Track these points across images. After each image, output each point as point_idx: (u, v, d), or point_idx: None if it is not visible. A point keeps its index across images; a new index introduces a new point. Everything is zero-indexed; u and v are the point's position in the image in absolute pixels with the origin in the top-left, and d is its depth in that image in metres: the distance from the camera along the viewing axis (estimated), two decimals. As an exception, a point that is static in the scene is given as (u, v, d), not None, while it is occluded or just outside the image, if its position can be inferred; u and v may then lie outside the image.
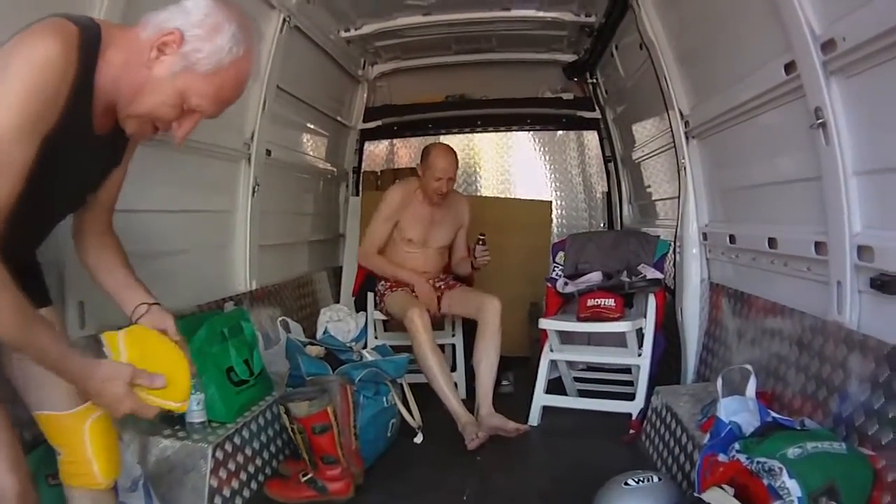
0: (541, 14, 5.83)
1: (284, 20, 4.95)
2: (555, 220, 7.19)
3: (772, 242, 3.61)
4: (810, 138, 3.01)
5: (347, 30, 6.13)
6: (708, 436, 2.94)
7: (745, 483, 2.48)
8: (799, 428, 2.75)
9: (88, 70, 1.94)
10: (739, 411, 2.92)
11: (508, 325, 4.95)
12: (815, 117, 2.92)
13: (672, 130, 4.70)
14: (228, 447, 3.64)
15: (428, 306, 4.94)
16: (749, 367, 3.27)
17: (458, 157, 5.22)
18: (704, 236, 4.56)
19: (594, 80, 6.88)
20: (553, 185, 7.49)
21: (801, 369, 3.21)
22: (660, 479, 3.10)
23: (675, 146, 4.72)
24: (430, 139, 7.30)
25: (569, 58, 6.82)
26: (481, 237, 5.08)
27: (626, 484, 3.06)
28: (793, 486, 2.32)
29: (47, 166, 1.91)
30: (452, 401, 4.57)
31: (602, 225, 7.26)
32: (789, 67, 3.09)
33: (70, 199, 2.29)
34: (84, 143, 2.06)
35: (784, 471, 2.37)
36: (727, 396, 3.09)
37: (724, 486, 2.52)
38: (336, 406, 3.87)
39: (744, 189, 4.14)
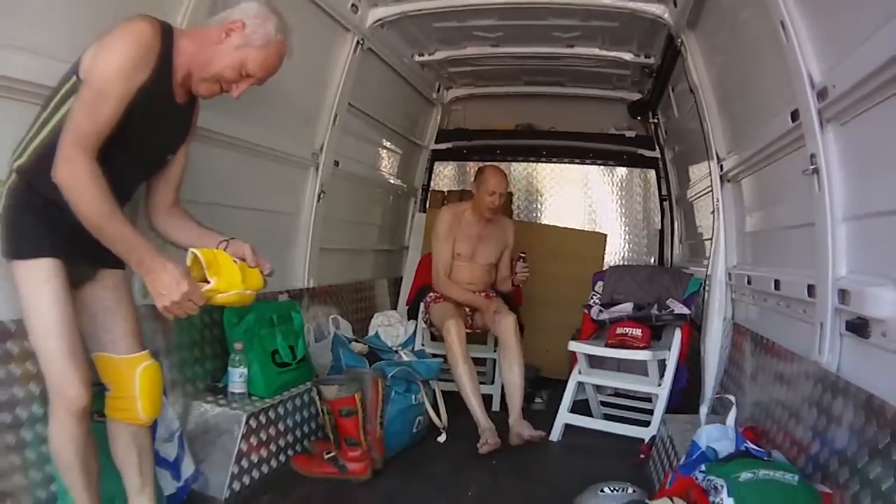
0: (602, 53, 6.03)
1: (358, 42, 5.36)
2: (608, 253, 7.35)
3: (776, 284, 3.78)
4: (808, 184, 3.18)
5: (422, 54, 6.41)
6: (684, 457, 3.21)
7: (696, 499, 2.79)
8: (765, 458, 2.96)
9: (167, 50, 2.69)
10: (720, 438, 3.13)
11: (555, 348, 5.34)
12: (809, 163, 3.11)
13: (710, 173, 4.92)
14: (262, 418, 4.10)
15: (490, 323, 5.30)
16: (732, 398, 3.53)
17: (523, 185, 5.49)
18: (730, 276, 4.74)
19: (655, 120, 7.02)
20: (609, 218, 7.65)
21: (787, 408, 3.37)
22: (634, 491, 3.35)
23: (711, 188, 4.93)
24: (497, 165, 7.59)
25: (633, 96, 7.01)
26: (522, 255, 5.45)
27: (602, 491, 3.35)
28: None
29: (140, 116, 2.64)
30: (476, 407, 4.93)
31: (653, 260, 7.43)
32: (794, 115, 3.27)
33: (155, 152, 2.95)
34: (165, 106, 2.81)
35: (725, 488, 2.65)
36: (711, 424, 3.32)
37: (674, 499, 2.85)
38: (365, 395, 4.31)
39: (760, 233, 4.36)
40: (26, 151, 2.65)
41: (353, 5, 5.08)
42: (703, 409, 3.83)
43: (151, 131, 2.76)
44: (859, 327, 2.77)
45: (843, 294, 2.90)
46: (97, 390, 2.88)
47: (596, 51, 6.02)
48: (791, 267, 3.69)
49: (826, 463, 2.78)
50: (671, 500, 2.85)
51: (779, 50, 3.24)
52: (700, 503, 2.74)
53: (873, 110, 2.64)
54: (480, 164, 7.25)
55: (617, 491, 3.34)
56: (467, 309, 5.56)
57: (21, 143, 2.68)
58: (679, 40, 4.87)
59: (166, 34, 2.69)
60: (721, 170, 4.78)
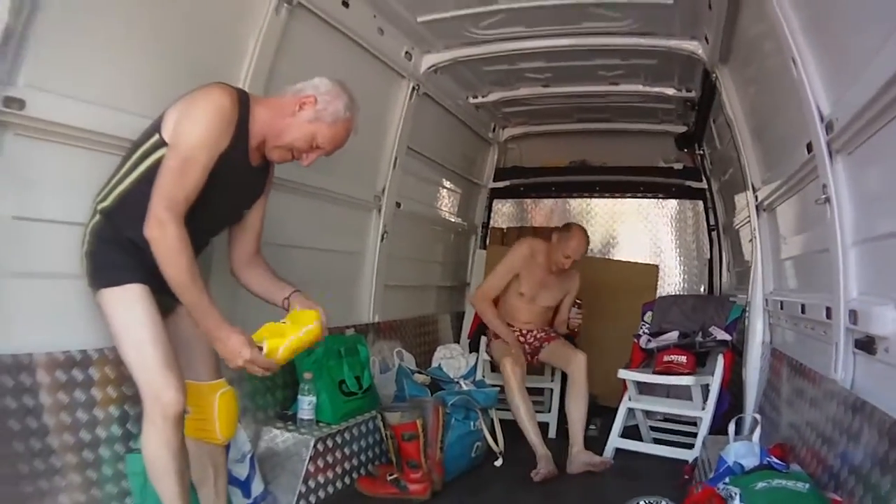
0: (646, 89, 6.13)
1: (413, 88, 5.57)
2: (662, 283, 7.42)
3: (803, 308, 3.85)
4: (823, 212, 3.26)
5: (476, 96, 6.58)
6: (713, 471, 3.35)
7: None
8: (783, 470, 3.05)
9: (244, 118, 2.90)
10: (746, 455, 3.25)
11: (609, 377, 5.35)
12: (822, 193, 3.20)
13: (748, 203, 5.00)
14: (329, 443, 4.27)
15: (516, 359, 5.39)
16: (758, 416, 3.70)
17: (579, 220, 5.92)
18: (767, 302, 4.79)
19: (701, 152, 7.07)
20: (663, 250, 7.69)
21: (811, 426, 3.41)
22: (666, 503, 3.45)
23: (749, 217, 5.01)
24: (554, 202, 7.83)
25: (679, 129, 7.08)
26: (578, 302, 5.59)
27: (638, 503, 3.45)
28: (740, 510, 2.79)
29: (219, 178, 2.82)
30: (532, 436, 5.03)
31: (702, 289, 7.44)
32: (808, 147, 3.34)
33: (231, 209, 3.16)
34: (242, 169, 3.01)
35: (738, 496, 2.82)
36: (738, 441, 3.46)
37: None
38: (427, 421, 4.46)
39: (790, 260, 4.41)
40: (110, 196, 2.87)
41: (406, 53, 5.28)
42: (731, 428, 3.96)
43: (227, 191, 2.94)
44: (866, 345, 2.86)
45: (853, 314, 2.98)
46: None
47: (640, 87, 6.12)
48: (814, 291, 3.76)
49: (838, 473, 2.87)
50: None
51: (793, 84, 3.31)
52: (719, 510, 2.89)
53: (874, 137, 2.71)
54: (538, 201, 7.51)
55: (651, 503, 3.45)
56: (527, 346, 5.65)
57: (105, 187, 2.90)
58: (714, 75, 4.95)
59: (244, 103, 2.90)
60: (756, 199, 4.85)
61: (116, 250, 2.84)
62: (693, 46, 5.00)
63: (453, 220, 7.41)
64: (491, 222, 8.10)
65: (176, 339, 2.99)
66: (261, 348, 2.82)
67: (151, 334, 2.77)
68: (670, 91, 6.10)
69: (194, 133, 2.73)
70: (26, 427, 2.85)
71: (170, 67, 3.40)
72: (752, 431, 3.61)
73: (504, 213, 8.19)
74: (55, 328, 3.04)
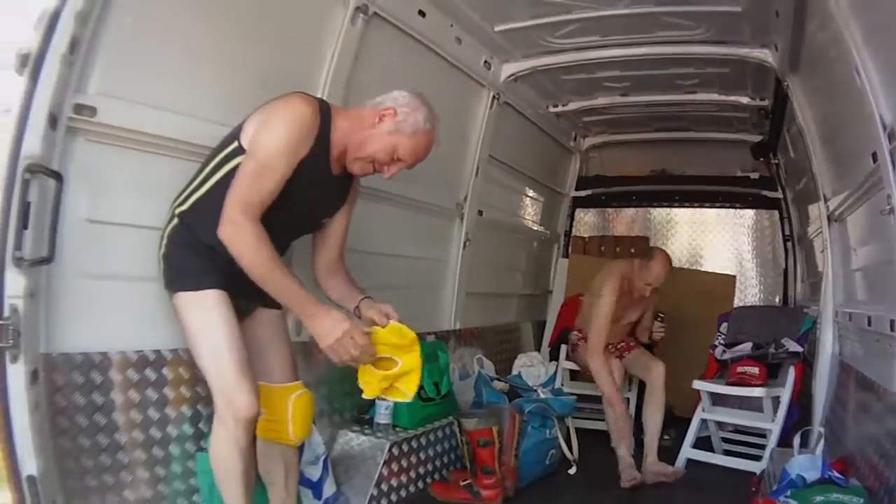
0: (721, 97, 5.99)
1: (494, 97, 5.51)
2: (739, 294, 7.21)
3: (869, 321, 3.70)
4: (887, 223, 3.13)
5: (556, 105, 6.50)
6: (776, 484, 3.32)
7: None
8: (842, 485, 3.02)
9: (325, 128, 2.86)
10: (809, 468, 3.24)
11: (686, 388, 5.24)
12: (885, 203, 3.07)
13: (820, 213, 4.84)
14: (405, 447, 4.23)
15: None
16: (822, 429, 3.67)
17: (660, 230, 5.86)
18: (836, 314, 4.62)
19: (776, 161, 6.85)
20: (741, 260, 7.51)
21: (872, 439, 3.30)
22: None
23: (821, 228, 4.85)
24: (635, 211, 7.69)
25: (755, 138, 6.84)
26: (661, 315, 5.41)
27: None
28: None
29: (300, 185, 2.81)
30: (622, 449, 4.92)
31: (777, 300, 7.23)
32: (874, 157, 3.22)
33: (311, 216, 3.11)
34: (324, 177, 2.97)
35: None
36: (802, 454, 3.46)
37: None
38: (503, 428, 4.41)
39: (859, 271, 4.24)
40: (188, 200, 2.88)
41: (485, 62, 5.24)
42: (796, 441, 3.94)
43: (307, 198, 2.91)
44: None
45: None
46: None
47: (715, 96, 6.00)
48: (879, 303, 3.62)
49: (893, 488, 2.79)
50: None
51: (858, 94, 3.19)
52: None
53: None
54: (619, 210, 7.34)
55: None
56: (614, 356, 5.47)
57: (183, 192, 2.91)
58: (785, 83, 4.79)
59: (324, 113, 2.87)
60: (828, 209, 4.69)
61: (193, 254, 2.85)
62: (763, 54, 4.85)
63: (535, 228, 7.32)
64: (573, 231, 7.98)
65: (252, 342, 3.01)
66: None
67: (227, 340, 2.77)
68: (744, 100, 5.95)
69: (273, 141, 2.70)
70: (94, 423, 2.87)
71: (247, 76, 3.42)
72: (817, 444, 3.59)
73: (586, 222, 8.08)
74: (129, 328, 3.07)
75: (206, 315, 2.79)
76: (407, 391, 2.97)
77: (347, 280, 3.21)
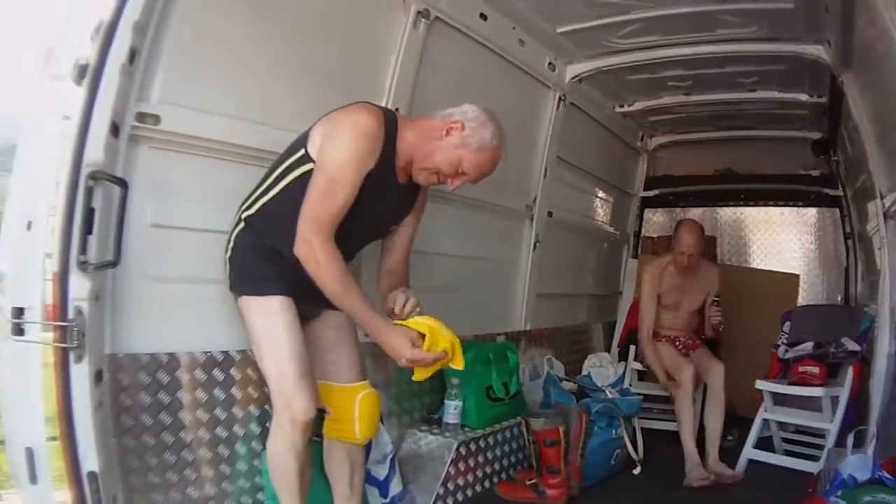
0: (780, 95, 5.84)
1: (560, 98, 5.44)
2: (803, 292, 7.06)
3: None
4: None
5: (622, 105, 6.41)
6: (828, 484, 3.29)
7: None
8: (891, 485, 2.99)
9: (390, 138, 2.85)
10: (861, 468, 3.21)
11: (750, 388, 5.11)
12: None
13: (877, 210, 4.68)
14: (472, 447, 4.19)
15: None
16: (874, 429, 3.60)
17: (727, 230, 5.75)
18: (892, 312, 4.44)
19: (836, 158, 6.63)
20: (805, 258, 7.32)
21: None
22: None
23: (878, 226, 4.70)
24: (702, 211, 7.49)
25: (815, 135, 6.61)
26: (716, 299, 5.32)
27: None
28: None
29: (367, 195, 2.79)
30: (690, 445, 4.87)
31: (839, 298, 6.98)
32: None
33: (378, 225, 3.11)
34: (390, 186, 2.94)
35: None
36: (854, 454, 3.42)
37: None
38: (569, 428, 4.35)
39: None
40: (255, 205, 2.90)
41: (549, 63, 5.18)
42: (849, 440, 3.86)
43: (374, 208, 2.89)
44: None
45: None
46: (316, 414, 3.02)
47: (774, 93, 5.85)
48: None
49: None
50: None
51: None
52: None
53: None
54: (687, 210, 7.17)
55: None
56: (681, 350, 5.44)
57: (250, 197, 2.93)
58: (840, 79, 4.64)
59: (390, 124, 2.86)
60: (884, 206, 4.52)
61: (259, 259, 2.87)
62: (818, 51, 4.70)
63: (605, 228, 7.21)
64: (643, 231, 7.84)
65: (321, 343, 3.05)
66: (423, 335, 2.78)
67: (290, 347, 2.81)
68: (803, 97, 5.78)
69: (340, 155, 2.71)
70: (159, 422, 2.90)
71: (309, 82, 3.43)
72: (870, 444, 3.53)
73: (655, 221, 7.93)
74: (197, 330, 3.11)
75: (270, 321, 2.83)
76: (457, 366, 2.95)
77: (404, 281, 3.17)
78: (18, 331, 2.33)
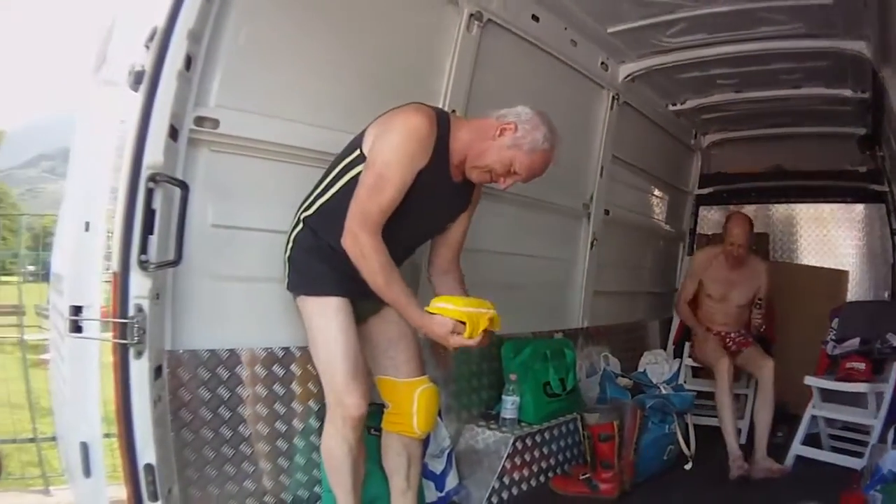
0: (825, 91, 5.71)
1: (613, 98, 5.37)
2: (852, 289, 6.91)
3: None
4: None
5: (674, 104, 6.32)
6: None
7: None
8: None
9: (443, 138, 2.85)
10: None
11: (800, 385, 5.02)
12: None
13: None
14: (528, 441, 4.16)
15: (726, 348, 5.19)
16: None
17: (779, 226, 6.02)
18: None
19: (882, 154, 6.41)
20: (853, 255, 7.14)
21: None
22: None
23: None
24: (755, 208, 7.26)
25: (860, 131, 6.46)
26: (759, 301, 5.26)
27: None
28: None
29: (421, 194, 2.81)
30: (731, 438, 4.83)
31: (886, 295, 6.80)
32: None
33: (433, 222, 3.10)
34: (444, 184, 2.94)
35: (880, 501, 2.89)
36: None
37: None
38: (624, 423, 4.30)
39: None
40: (313, 206, 2.91)
41: (602, 63, 5.12)
42: (890, 436, 3.91)
43: (429, 206, 2.91)
44: None
45: None
46: (375, 408, 3.09)
47: (819, 90, 5.71)
48: None
49: None
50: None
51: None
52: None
53: None
54: (740, 206, 6.98)
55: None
56: (730, 347, 5.38)
57: (309, 197, 2.95)
58: (881, 74, 4.52)
59: (442, 124, 2.86)
60: None
61: (318, 259, 2.88)
62: (859, 47, 4.58)
63: (661, 226, 7.10)
64: (698, 228, 7.70)
65: (381, 338, 3.07)
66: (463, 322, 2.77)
67: (343, 347, 2.83)
68: (847, 93, 5.62)
69: (389, 153, 2.72)
70: (218, 416, 2.94)
71: (366, 85, 3.42)
72: None
73: (710, 219, 7.76)
74: (257, 327, 3.14)
75: (325, 321, 2.85)
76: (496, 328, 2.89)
77: (459, 280, 3.18)
78: (76, 328, 2.37)
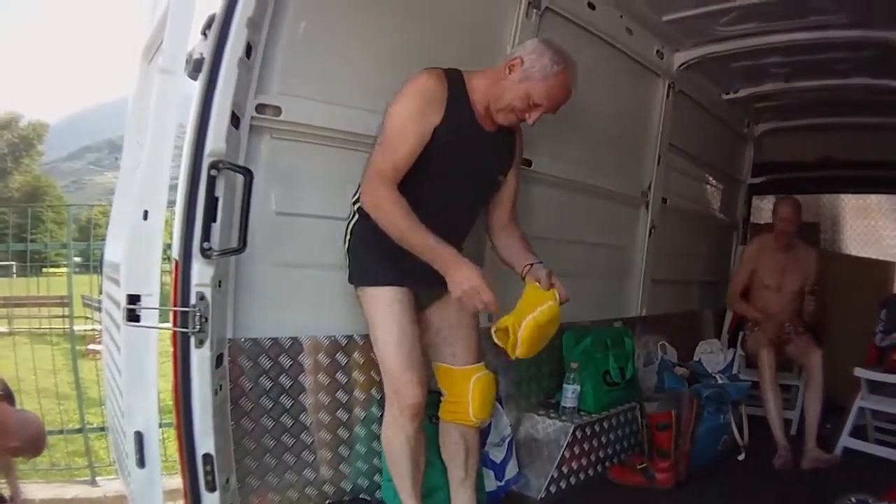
0: (873, 81, 5.46)
1: (669, 86, 5.18)
2: None
3: None
4: None
5: (728, 93, 6.13)
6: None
7: None
8: None
9: (459, 91, 2.78)
10: None
11: (849, 378, 4.88)
12: None
13: None
14: (588, 430, 4.01)
15: (772, 339, 5.06)
16: None
17: (829, 216, 6.16)
18: None
19: None
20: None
21: None
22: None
23: None
24: (805, 199, 7.06)
25: None
26: (814, 288, 5.15)
27: (850, 500, 3.21)
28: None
29: (452, 149, 2.74)
30: (776, 426, 4.74)
31: None
32: None
33: (480, 173, 2.96)
34: (476, 135, 2.85)
35: None
36: None
37: None
38: (681, 412, 4.17)
39: None
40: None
41: (658, 52, 4.94)
42: None
43: (467, 159, 2.81)
44: None
45: None
46: (434, 397, 3.00)
47: (868, 80, 5.46)
48: None
49: None
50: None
51: None
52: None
53: None
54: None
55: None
56: (785, 338, 5.22)
57: (360, 186, 2.84)
58: None
59: (453, 80, 2.77)
60: None
61: (374, 248, 2.78)
62: None
63: (716, 215, 6.89)
64: (751, 218, 7.48)
65: (440, 325, 2.98)
66: (505, 330, 2.64)
67: (397, 338, 2.76)
68: (894, 84, 5.37)
69: (396, 112, 2.68)
70: (280, 405, 2.86)
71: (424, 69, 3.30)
72: None
73: (762, 208, 7.49)
74: (320, 315, 3.07)
75: (382, 311, 2.78)
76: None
77: (522, 242, 3.04)
78: (134, 317, 2.28)
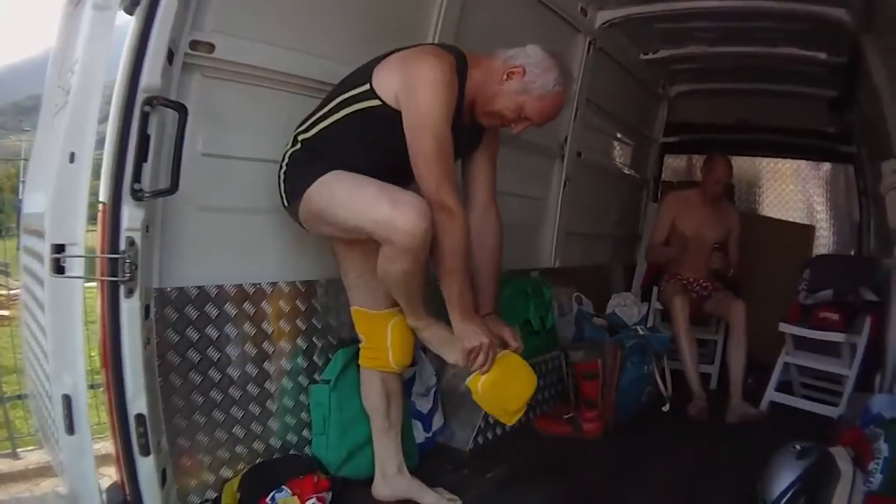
0: (800, 52, 5.52)
1: (590, 43, 5.08)
2: (817, 244, 6.90)
3: None
4: None
5: (646, 53, 6.06)
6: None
7: (862, 446, 2.99)
8: None
9: (462, 82, 2.55)
10: (889, 407, 3.24)
11: (769, 335, 4.94)
12: None
13: (893, 169, 4.45)
14: (510, 379, 3.87)
15: (687, 288, 5.15)
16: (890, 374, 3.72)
17: (742, 178, 6.36)
18: None
19: (852, 117, 6.28)
20: (814, 211, 7.11)
21: None
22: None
23: (893, 184, 4.46)
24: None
25: (831, 93, 6.13)
26: (716, 245, 5.22)
27: (795, 447, 3.12)
28: (884, 448, 2.83)
29: None
30: (691, 373, 4.76)
31: (852, 252, 6.74)
32: None
33: None
34: (457, 128, 2.56)
35: (882, 436, 2.89)
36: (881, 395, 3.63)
37: (847, 447, 3.01)
38: (606, 362, 4.13)
39: None
40: (313, 129, 2.64)
41: (581, 9, 4.83)
42: (877, 381, 3.97)
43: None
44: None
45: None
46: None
47: (794, 50, 5.50)
48: None
49: None
50: (846, 449, 3.00)
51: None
52: (864, 448, 2.94)
53: None
54: (705, 156, 6.94)
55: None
56: (694, 294, 5.25)
57: (307, 121, 2.67)
58: (860, 42, 4.39)
59: (460, 67, 2.57)
60: None
61: (307, 164, 2.60)
62: (841, 13, 4.38)
63: (626, 171, 6.86)
64: (662, 176, 7.50)
65: (362, 268, 2.78)
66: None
67: (356, 179, 2.48)
68: (822, 55, 5.45)
69: (435, 109, 2.44)
70: (207, 358, 2.67)
71: (360, 16, 3.12)
72: (891, 387, 3.71)
73: (674, 167, 7.60)
74: (244, 261, 2.85)
75: (342, 178, 2.50)
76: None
77: (494, 257, 2.97)
78: (59, 269, 2.05)
